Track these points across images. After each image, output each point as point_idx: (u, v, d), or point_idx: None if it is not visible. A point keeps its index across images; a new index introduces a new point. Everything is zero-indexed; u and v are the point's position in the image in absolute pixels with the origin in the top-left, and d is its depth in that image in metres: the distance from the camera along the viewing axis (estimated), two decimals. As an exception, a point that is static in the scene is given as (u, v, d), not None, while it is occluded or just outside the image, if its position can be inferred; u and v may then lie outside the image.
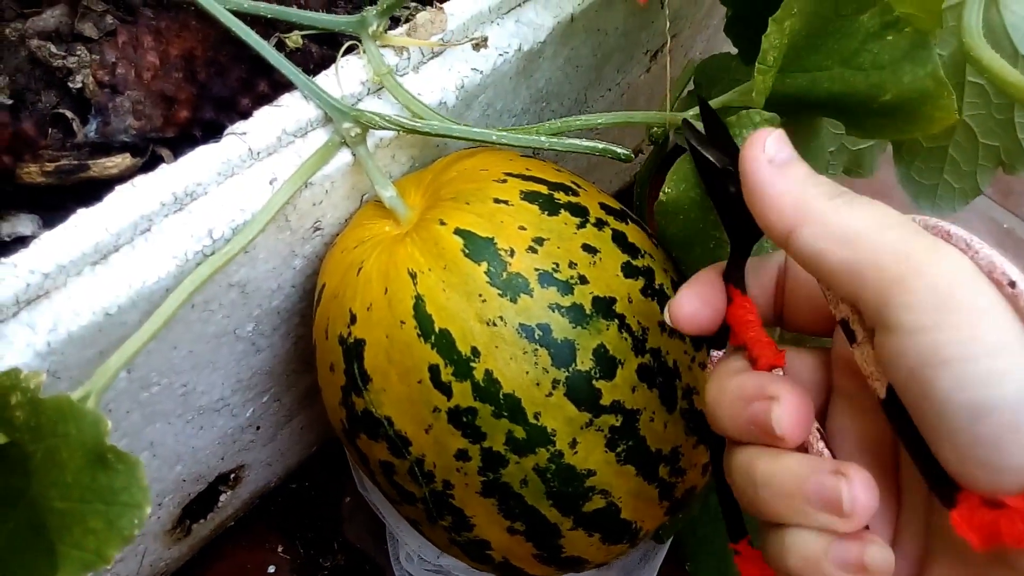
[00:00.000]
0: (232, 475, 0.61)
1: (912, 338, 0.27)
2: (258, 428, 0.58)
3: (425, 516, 0.45)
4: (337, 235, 0.48)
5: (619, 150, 0.46)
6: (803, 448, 0.32)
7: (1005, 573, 0.28)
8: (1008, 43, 0.48)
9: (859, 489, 0.29)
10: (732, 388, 0.33)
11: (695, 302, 0.36)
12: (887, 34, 0.41)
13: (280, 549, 0.68)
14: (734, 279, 0.36)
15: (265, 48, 0.45)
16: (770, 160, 0.32)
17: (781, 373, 0.34)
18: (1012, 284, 0.27)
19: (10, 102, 0.44)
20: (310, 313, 0.52)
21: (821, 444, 0.33)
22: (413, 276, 0.41)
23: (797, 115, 0.46)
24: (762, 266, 0.38)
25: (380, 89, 0.47)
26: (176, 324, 0.42)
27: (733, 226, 0.37)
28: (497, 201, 0.43)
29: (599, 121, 0.46)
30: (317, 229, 0.47)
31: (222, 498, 0.62)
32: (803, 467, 0.31)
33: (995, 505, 0.27)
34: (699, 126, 0.42)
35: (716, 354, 0.37)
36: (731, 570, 0.66)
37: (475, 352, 0.40)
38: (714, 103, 0.44)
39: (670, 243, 0.45)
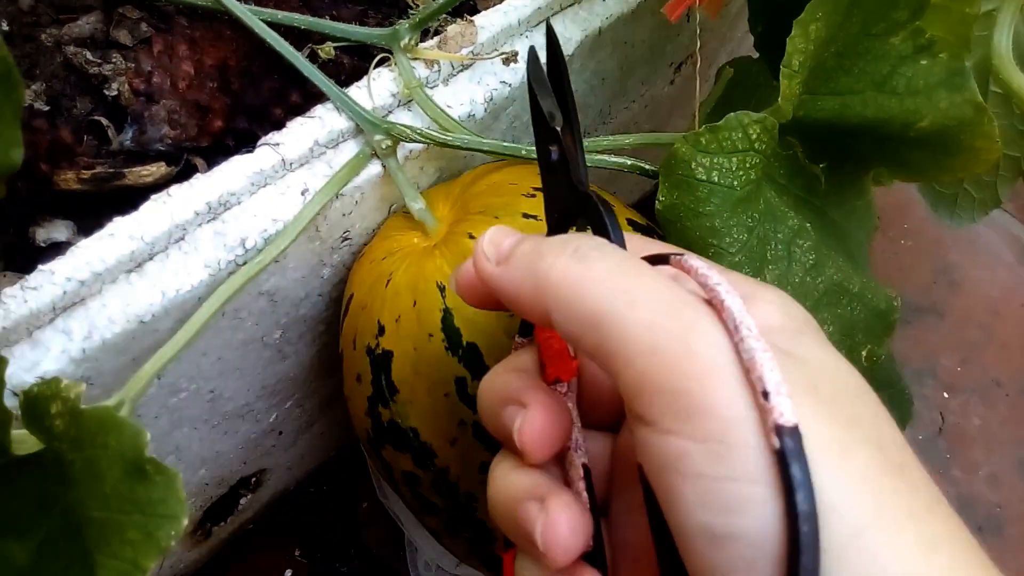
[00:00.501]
0: (253, 479, 0.62)
1: (662, 438, 0.24)
2: (280, 433, 0.59)
3: (447, 527, 0.45)
4: (365, 245, 0.48)
5: (647, 166, 0.46)
6: (568, 483, 0.29)
7: None
8: (1036, 57, 0.48)
9: (554, 527, 0.26)
10: (499, 385, 0.30)
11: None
12: (921, 58, 0.41)
13: (297, 553, 0.69)
14: None
15: (298, 59, 0.45)
16: (496, 262, 0.29)
17: (565, 388, 0.30)
18: (765, 394, 0.23)
19: (47, 108, 0.45)
20: (335, 321, 0.52)
21: (582, 484, 0.29)
22: (442, 289, 0.41)
23: (832, 146, 0.46)
24: None
25: (410, 101, 0.48)
26: (206, 331, 0.43)
27: (552, 198, 0.33)
28: (526, 216, 0.43)
29: (627, 142, 0.47)
30: (346, 239, 0.47)
31: (242, 501, 0.63)
32: (522, 489, 0.28)
33: None
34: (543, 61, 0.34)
35: (520, 340, 0.33)
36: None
37: None
38: (740, 115, 0.44)
39: None
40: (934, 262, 0.95)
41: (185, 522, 0.27)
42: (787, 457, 0.22)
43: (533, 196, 0.45)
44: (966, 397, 0.86)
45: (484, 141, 0.46)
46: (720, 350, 0.24)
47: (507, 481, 0.29)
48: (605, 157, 0.46)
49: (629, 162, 0.46)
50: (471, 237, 0.42)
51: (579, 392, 0.32)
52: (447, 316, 0.41)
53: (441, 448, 0.42)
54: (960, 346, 0.89)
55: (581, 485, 0.28)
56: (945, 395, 0.86)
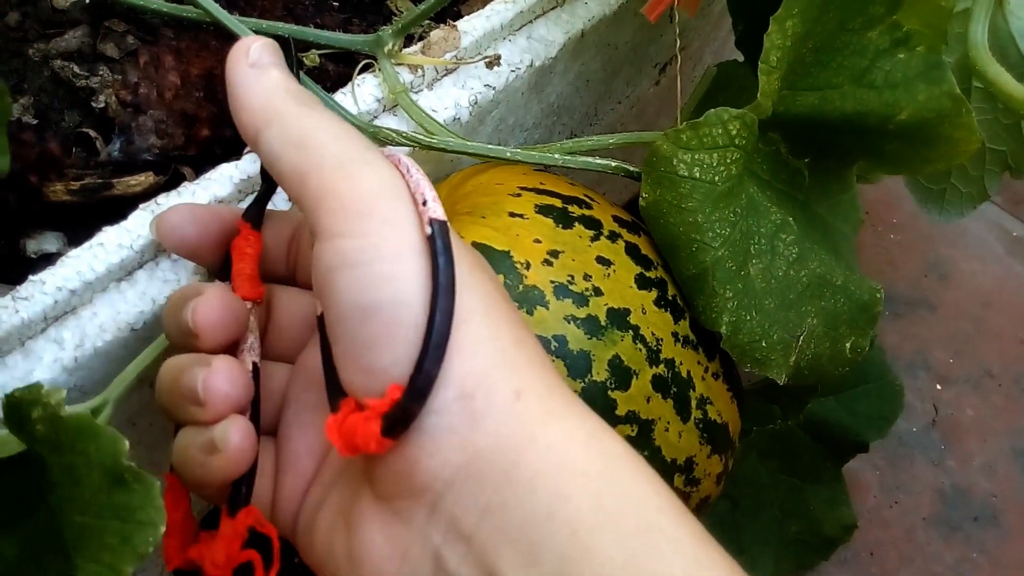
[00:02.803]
0: (249, 486, 0.62)
1: (329, 243, 0.28)
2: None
3: None
4: (354, 249, 0.49)
5: (631, 168, 0.47)
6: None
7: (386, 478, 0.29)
8: (1015, 50, 0.49)
9: (215, 377, 0.30)
10: (184, 289, 0.35)
11: (185, 216, 0.36)
12: (898, 52, 0.42)
13: (296, 560, 0.69)
14: (252, 217, 0.37)
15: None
16: (252, 64, 0.33)
17: (250, 306, 0.35)
18: (424, 203, 0.29)
19: (35, 121, 0.45)
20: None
21: (252, 357, 0.33)
22: None
23: (813, 141, 0.47)
24: (281, 218, 0.38)
25: (395, 107, 0.48)
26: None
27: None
28: (512, 215, 0.44)
29: (610, 141, 0.47)
30: (334, 244, 0.47)
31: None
32: (190, 359, 0.32)
33: (363, 409, 0.28)
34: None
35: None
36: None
37: None
38: (719, 112, 0.44)
39: (661, 249, 0.45)
40: (924, 255, 0.96)
41: (163, 529, 0.28)
42: (435, 240, 0.28)
43: (519, 195, 0.45)
44: (959, 388, 0.86)
45: (469, 144, 0.46)
46: (393, 178, 0.30)
47: (175, 360, 0.33)
48: (590, 159, 0.47)
49: (613, 164, 0.47)
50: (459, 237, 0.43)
51: (266, 325, 0.37)
52: None
53: None
54: (952, 338, 0.90)
55: (251, 358, 0.33)
56: (938, 387, 0.86)
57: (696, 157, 0.41)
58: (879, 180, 0.63)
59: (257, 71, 0.33)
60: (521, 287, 0.41)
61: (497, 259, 0.42)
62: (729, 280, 0.43)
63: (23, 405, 0.29)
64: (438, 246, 0.28)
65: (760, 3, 0.43)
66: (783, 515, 0.68)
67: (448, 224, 0.29)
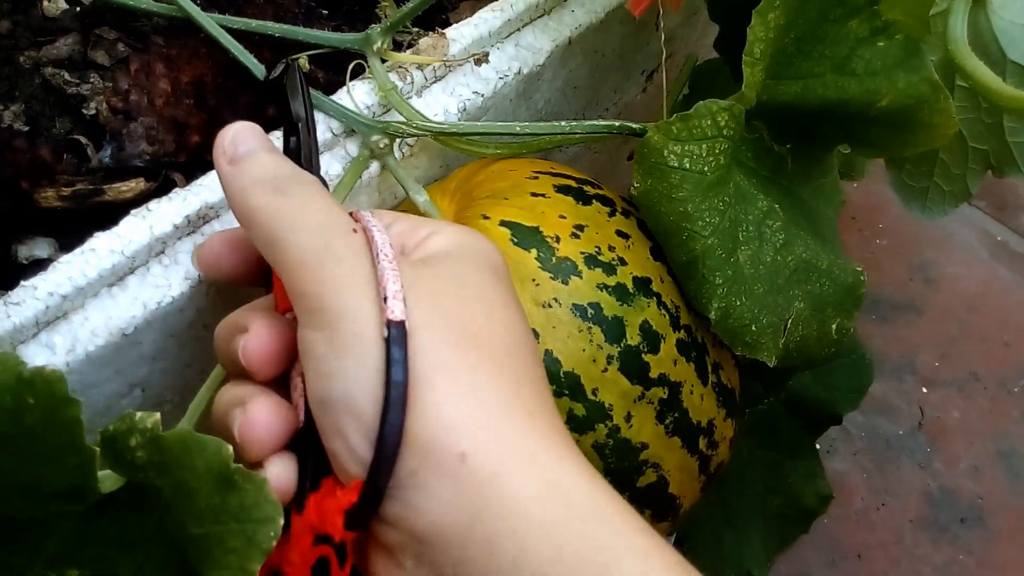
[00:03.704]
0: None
1: (300, 331, 0.31)
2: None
3: None
4: (344, 255, 0.49)
5: (634, 126, 0.46)
6: (293, 404, 0.33)
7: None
8: (996, 48, 0.50)
9: (251, 424, 0.31)
10: (231, 318, 0.35)
11: (220, 246, 0.37)
12: (878, 40, 0.43)
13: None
14: None
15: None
16: (229, 160, 0.35)
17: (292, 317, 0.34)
18: (385, 298, 0.29)
19: (26, 128, 0.46)
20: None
21: (302, 401, 0.33)
22: None
23: (796, 128, 0.47)
24: None
25: (386, 112, 0.49)
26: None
27: None
28: (534, 195, 0.45)
29: (601, 124, 0.47)
30: (325, 249, 0.48)
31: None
32: (232, 396, 0.33)
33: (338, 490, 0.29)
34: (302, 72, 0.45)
35: None
36: (726, 550, 0.68)
37: (535, 334, 0.41)
38: (708, 103, 0.45)
39: (654, 233, 0.46)
40: (910, 260, 0.97)
41: (281, 521, 0.28)
42: (390, 345, 0.29)
43: (536, 178, 0.47)
44: (945, 391, 0.87)
45: (478, 124, 0.47)
46: (355, 267, 0.31)
47: (221, 395, 0.34)
48: (595, 122, 0.47)
49: (617, 124, 0.46)
50: (485, 218, 0.44)
51: None
52: None
53: None
54: (938, 341, 0.91)
55: (301, 402, 0.32)
56: (924, 390, 0.87)
57: (686, 148, 0.42)
58: (863, 176, 0.63)
59: (233, 169, 0.34)
60: (554, 259, 0.42)
61: (528, 234, 0.43)
62: (719, 267, 0.44)
63: (119, 437, 0.30)
64: (393, 354, 0.28)
65: (738, 5, 0.44)
66: (766, 489, 0.70)
67: (405, 325, 0.29)
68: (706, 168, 0.43)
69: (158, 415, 0.30)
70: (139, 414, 0.30)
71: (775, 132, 0.48)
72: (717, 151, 0.43)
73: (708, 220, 0.43)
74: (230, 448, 0.29)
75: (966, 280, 0.95)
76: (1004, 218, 1.01)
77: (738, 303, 0.44)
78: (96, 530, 0.32)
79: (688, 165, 0.43)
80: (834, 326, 0.48)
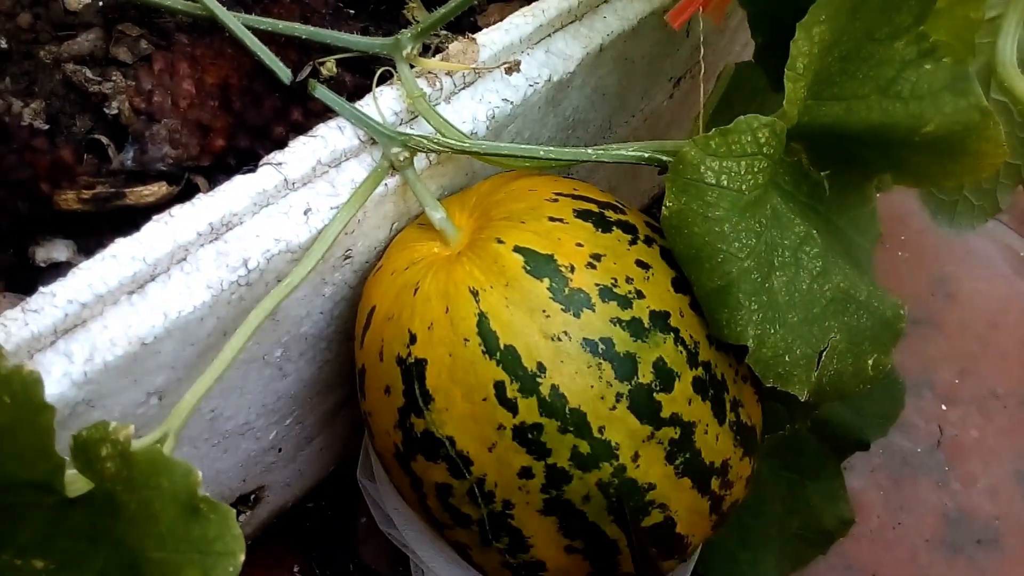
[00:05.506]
0: (252, 496, 0.61)
1: None
2: (280, 450, 0.59)
3: (479, 539, 0.45)
4: (367, 263, 0.48)
5: (663, 157, 0.45)
6: None
7: None
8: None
9: None
10: None
11: None
12: (925, 63, 0.41)
13: (296, 569, 0.68)
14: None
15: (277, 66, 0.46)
16: None
17: None
18: None
19: (46, 127, 0.45)
20: (337, 338, 0.52)
21: None
22: (475, 294, 0.41)
23: (837, 152, 0.46)
24: None
25: (413, 119, 0.47)
26: (208, 352, 0.42)
27: None
28: (552, 219, 0.44)
29: (630, 152, 0.46)
30: (348, 257, 0.47)
31: (241, 518, 0.62)
32: None
33: None
34: None
35: None
36: (741, 571, 0.67)
37: (541, 367, 0.40)
38: (749, 119, 0.43)
39: (681, 261, 0.44)
40: (931, 274, 0.95)
41: (242, 557, 0.27)
42: None
43: (556, 201, 0.45)
44: (964, 409, 0.86)
45: (501, 145, 0.46)
46: None
47: None
48: (623, 151, 0.46)
49: (647, 155, 0.45)
50: (500, 242, 0.43)
51: None
52: (482, 320, 0.41)
53: (478, 455, 0.42)
54: (957, 358, 0.89)
55: None
56: (943, 407, 0.86)
57: (724, 164, 0.41)
58: (891, 189, 0.62)
59: None
60: (567, 290, 0.41)
61: (541, 263, 0.42)
62: (754, 292, 0.42)
63: (91, 444, 0.29)
64: None
65: (782, 16, 0.43)
66: (785, 511, 0.68)
67: None
68: (744, 187, 0.42)
69: (131, 428, 0.29)
70: (113, 424, 0.29)
71: (814, 156, 0.46)
72: (756, 169, 0.42)
73: (744, 242, 0.42)
74: (199, 474, 0.28)
75: (987, 296, 0.94)
76: (1027, 233, 0.99)
77: (772, 332, 0.42)
78: (68, 525, 0.31)
79: (726, 182, 0.41)
80: (870, 361, 0.47)
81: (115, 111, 0.45)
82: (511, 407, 0.40)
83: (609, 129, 0.65)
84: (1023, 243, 0.98)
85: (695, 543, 0.46)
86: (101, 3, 0.50)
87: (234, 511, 0.27)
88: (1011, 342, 0.91)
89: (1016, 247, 0.98)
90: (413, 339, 0.42)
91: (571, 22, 0.54)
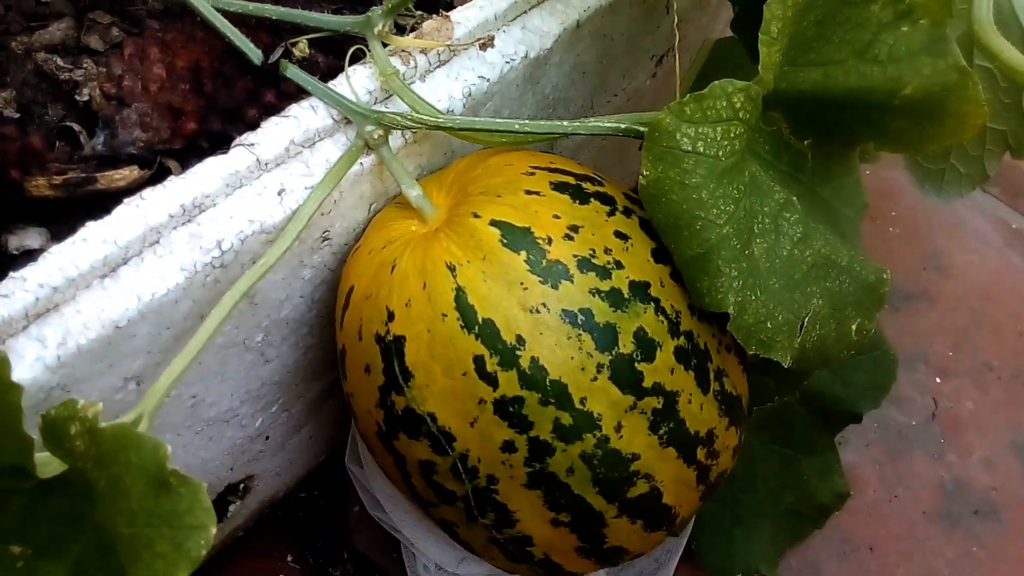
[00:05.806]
0: (241, 485, 0.61)
1: None
2: (267, 438, 0.58)
3: (464, 516, 0.45)
4: (346, 244, 0.48)
5: (640, 128, 0.45)
6: None
7: None
8: (1017, 26, 0.48)
9: None
10: None
11: None
12: (901, 25, 0.41)
13: (289, 559, 0.68)
14: None
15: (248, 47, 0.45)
16: None
17: None
18: None
19: (17, 115, 0.44)
20: (319, 323, 0.52)
21: None
22: (452, 269, 0.41)
23: (816, 120, 0.45)
24: None
25: (388, 98, 0.47)
26: (185, 335, 0.42)
27: None
28: (529, 192, 0.43)
29: (610, 124, 0.46)
30: (325, 239, 0.47)
31: (231, 508, 0.62)
32: None
33: None
34: None
35: None
36: (735, 548, 0.67)
37: (520, 340, 0.40)
38: (724, 83, 0.42)
39: (660, 230, 0.43)
40: (922, 248, 0.95)
41: (214, 531, 0.27)
42: None
43: (532, 174, 0.45)
44: (958, 381, 0.86)
45: (475, 120, 0.46)
46: None
47: None
48: (600, 123, 0.45)
49: (623, 125, 0.45)
50: (476, 216, 0.43)
51: None
52: (460, 295, 0.41)
53: (460, 430, 0.42)
54: (951, 331, 0.89)
55: None
56: (937, 380, 0.86)
57: (700, 131, 0.41)
58: (879, 159, 0.61)
59: None
60: (544, 262, 0.41)
61: (518, 235, 0.41)
62: (734, 259, 0.42)
63: (59, 423, 0.29)
64: None
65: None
66: (778, 486, 0.68)
67: None
68: (721, 152, 0.41)
69: (100, 405, 0.29)
70: (81, 402, 0.29)
71: (794, 125, 0.46)
72: (732, 135, 0.41)
73: (723, 208, 0.41)
74: (168, 448, 0.27)
75: (980, 269, 0.94)
76: (1018, 205, 0.99)
77: (753, 298, 0.42)
78: (45, 510, 0.31)
79: (702, 149, 0.41)
80: (854, 326, 0.46)
81: (86, 98, 0.45)
82: (491, 381, 0.40)
83: (591, 109, 0.64)
84: (1014, 215, 0.98)
85: (684, 515, 0.46)
86: (71, -8, 0.49)
87: (204, 484, 0.27)
88: (1004, 314, 0.90)
89: (1007, 219, 0.97)
90: (391, 316, 0.42)
91: (546, -2, 0.54)
